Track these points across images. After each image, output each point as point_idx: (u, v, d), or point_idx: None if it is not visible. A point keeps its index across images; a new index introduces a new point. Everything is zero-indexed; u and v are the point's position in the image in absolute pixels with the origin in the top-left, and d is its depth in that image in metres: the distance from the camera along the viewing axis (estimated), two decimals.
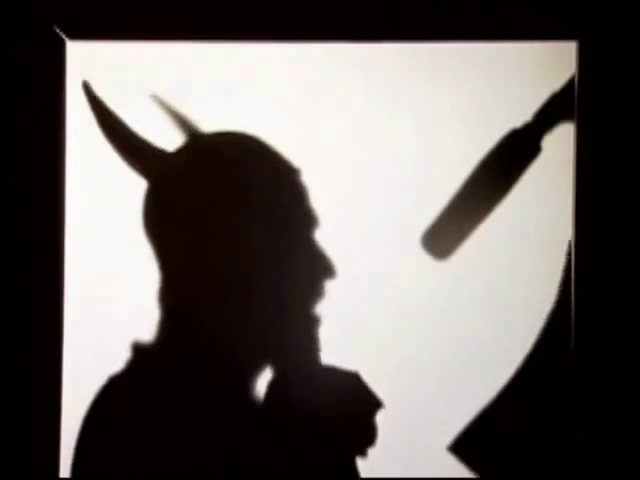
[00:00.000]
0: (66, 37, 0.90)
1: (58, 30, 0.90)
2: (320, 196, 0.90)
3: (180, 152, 0.91)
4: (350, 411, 0.89)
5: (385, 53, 0.90)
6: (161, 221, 0.91)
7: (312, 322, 0.89)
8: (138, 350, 0.89)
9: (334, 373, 0.89)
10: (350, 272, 0.90)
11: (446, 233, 0.90)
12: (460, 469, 0.89)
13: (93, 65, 0.91)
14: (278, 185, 0.90)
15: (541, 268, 0.90)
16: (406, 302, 0.90)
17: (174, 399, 0.89)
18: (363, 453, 0.89)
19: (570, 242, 0.89)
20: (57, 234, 0.90)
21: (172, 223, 0.90)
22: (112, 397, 0.89)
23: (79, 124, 0.91)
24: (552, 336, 0.89)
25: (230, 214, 0.89)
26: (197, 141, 0.91)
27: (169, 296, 0.90)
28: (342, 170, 0.90)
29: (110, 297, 0.90)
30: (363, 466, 0.89)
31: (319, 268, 0.89)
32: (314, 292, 0.89)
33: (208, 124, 0.91)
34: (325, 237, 0.90)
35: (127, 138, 0.90)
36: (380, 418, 0.89)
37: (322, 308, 0.89)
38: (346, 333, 0.90)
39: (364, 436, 0.89)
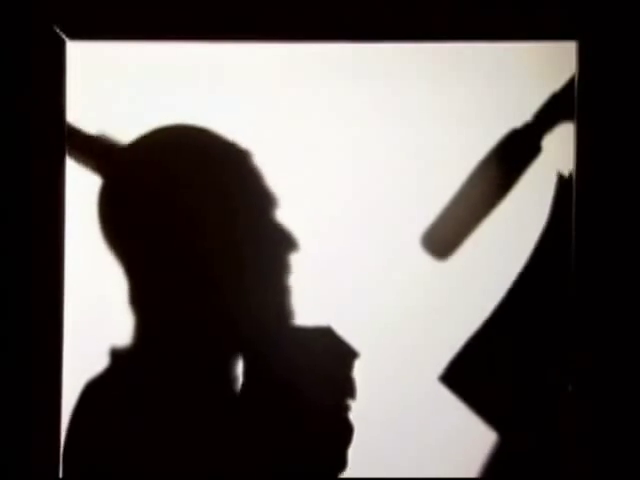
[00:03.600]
0: (66, 37, 0.90)
1: (58, 30, 0.90)
2: (319, 196, 0.90)
3: (135, 145, 0.91)
4: (326, 364, 0.89)
5: (384, 53, 0.90)
6: (119, 217, 0.91)
7: (283, 295, 0.90)
8: (116, 353, 0.90)
9: (305, 331, 0.89)
10: (350, 272, 0.90)
11: (446, 233, 0.90)
12: (459, 469, 0.90)
13: (93, 65, 0.91)
14: (234, 169, 0.90)
15: (541, 268, 0.90)
16: (406, 302, 0.90)
17: (156, 393, 0.89)
18: (347, 408, 0.89)
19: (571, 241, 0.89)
20: (57, 234, 0.90)
21: (131, 217, 0.90)
22: (93, 399, 0.90)
23: (79, 124, 0.91)
24: (552, 336, 0.89)
25: (192, 201, 0.90)
26: (152, 135, 0.91)
27: (138, 293, 0.90)
28: (341, 170, 0.90)
29: (110, 297, 0.90)
30: (363, 466, 0.90)
31: (284, 243, 0.90)
32: (281, 266, 0.90)
33: (207, 124, 0.91)
34: (325, 237, 0.90)
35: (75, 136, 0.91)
36: (378, 418, 0.89)
37: (291, 281, 0.90)
38: (346, 333, 0.90)
39: (345, 389, 0.89)
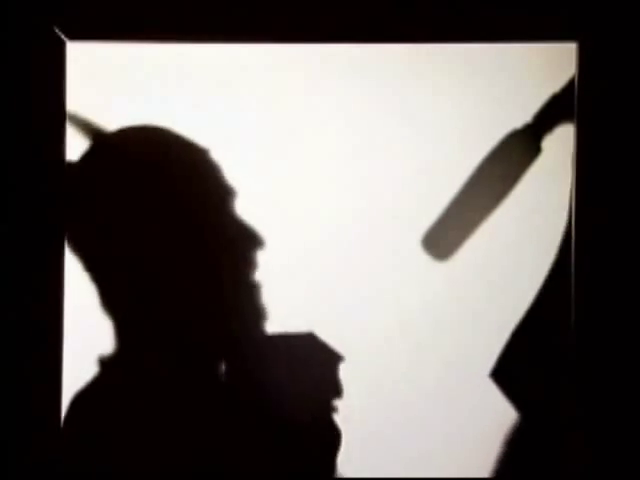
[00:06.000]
0: (66, 37, 0.90)
1: (58, 30, 0.90)
2: (320, 197, 0.90)
3: (90, 154, 0.91)
4: (311, 369, 0.89)
5: (385, 54, 0.90)
6: (84, 226, 0.91)
7: (251, 292, 0.90)
8: (103, 362, 0.90)
9: (288, 338, 0.89)
10: (350, 272, 0.90)
11: (446, 233, 0.90)
12: (459, 469, 0.90)
13: (93, 65, 0.91)
14: (192, 166, 0.90)
15: (541, 268, 0.90)
16: (406, 303, 0.90)
17: (142, 397, 0.89)
18: (334, 410, 0.89)
19: (570, 234, 0.89)
20: (57, 234, 0.90)
21: (96, 226, 0.90)
22: (82, 407, 0.90)
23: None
24: (552, 336, 0.89)
25: (153, 203, 0.90)
26: (103, 140, 0.91)
27: (115, 296, 0.90)
28: (341, 171, 0.90)
29: None
30: (362, 465, 0.90)
31: (248, 239, 0.90)
32: (247, 263, 0.90)
33: (207, 124, 0.91)
34: (325, 238, 0.90)
35: None
36: (378, 418, 0.90)
37: (259, 277, 0.90)
38: (345, 333, 0.90)
39: (331, 392, 0.89)
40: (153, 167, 0.90)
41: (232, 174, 0.90)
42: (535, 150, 0.90)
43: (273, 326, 0.90)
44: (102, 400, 0.89)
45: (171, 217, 0.90)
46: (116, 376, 0.90)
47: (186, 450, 0.89)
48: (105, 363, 0.90)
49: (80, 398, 0.89)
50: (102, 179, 0.90)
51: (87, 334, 0.90)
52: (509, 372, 0.89)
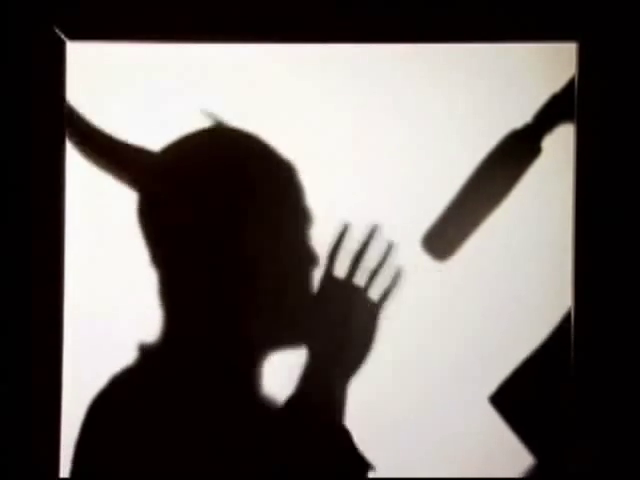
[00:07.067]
0: (66, 37, 0.90)
1: (58, 30, 0.90)
2: (320, 197, 0.90)
3: (170, 151, 0.91)
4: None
5: (385, 54, 0.90)
6: (156, 220, 0.91)
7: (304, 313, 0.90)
8: (142, 350, 0.90)
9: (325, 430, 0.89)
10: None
11: (446, 234, 0.90)
12: (459, 469, 0.90)
13: (93, 65, 0.91)
14: (273, 181, 0.90)
15: (541, 268, 0.90)
16: (406, 303, 0.90)
17: (175, 399, 0.89)
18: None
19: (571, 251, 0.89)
20: (57, 235, 0.90)
21: (167, 222, 0.90)
22: (113, 397, 0.89)
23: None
24: (552, 336, 0.89)
25: (226, 211, 0.90)
26: (188, 139, 0.91)
27: (169, 295, 0.90)
28: (342, 171, 0.90)
29: (111, 296, 0.90)
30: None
31: (309, 261, 0.90)
32: (308, 282, 0.90)
33: (207, 124, 0.91)
34: (325, 237, 0.90)
35: (110, 145, 0.90)
36: (377, 418, 0.90)
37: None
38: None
39: None
40: (226, 171, 0.90)
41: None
42: (535, 150, 0.90)
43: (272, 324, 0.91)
44: (136, 385, 0.90)
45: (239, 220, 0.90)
46: (151, 369, 0.90)
47: (208, 447, 0.89)
48: (146, 351, 0.90)
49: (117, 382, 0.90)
50: (188, 179, 0.91)
51: (87, 334, 0.90)
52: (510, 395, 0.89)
